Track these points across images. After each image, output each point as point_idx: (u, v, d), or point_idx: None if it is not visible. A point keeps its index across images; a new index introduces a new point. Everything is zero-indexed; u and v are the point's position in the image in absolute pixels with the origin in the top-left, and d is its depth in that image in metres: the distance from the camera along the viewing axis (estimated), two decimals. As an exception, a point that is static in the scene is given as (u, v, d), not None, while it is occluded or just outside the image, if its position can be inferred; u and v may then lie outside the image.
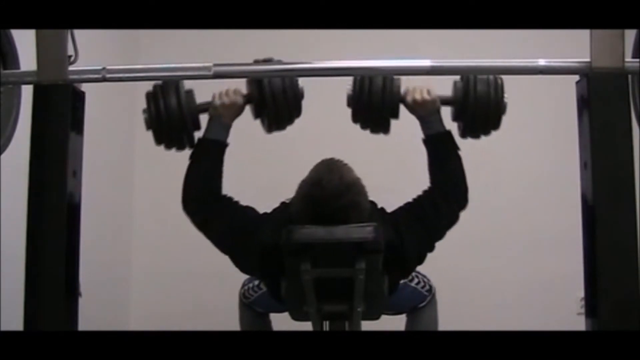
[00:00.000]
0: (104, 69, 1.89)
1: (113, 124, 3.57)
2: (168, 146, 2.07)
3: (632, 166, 1.77)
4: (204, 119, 2.10)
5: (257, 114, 2.09)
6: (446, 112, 2.13)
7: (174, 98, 2.00)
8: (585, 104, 1.81)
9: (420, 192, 2.11)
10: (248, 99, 2.07)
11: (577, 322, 2.07)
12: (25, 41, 1.95)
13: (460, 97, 2.05)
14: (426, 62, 1.93)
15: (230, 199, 2.10)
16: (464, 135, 2.12)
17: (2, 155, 2.01)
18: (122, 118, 3.75)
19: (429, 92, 2.05)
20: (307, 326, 2.08)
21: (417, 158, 2.15)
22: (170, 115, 1.99)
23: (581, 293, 1.86)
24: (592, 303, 1.80)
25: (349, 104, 2.06)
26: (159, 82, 2.05)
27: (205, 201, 2.05)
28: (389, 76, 2.03)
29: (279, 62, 2.02)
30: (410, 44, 3.22)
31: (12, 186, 2.24)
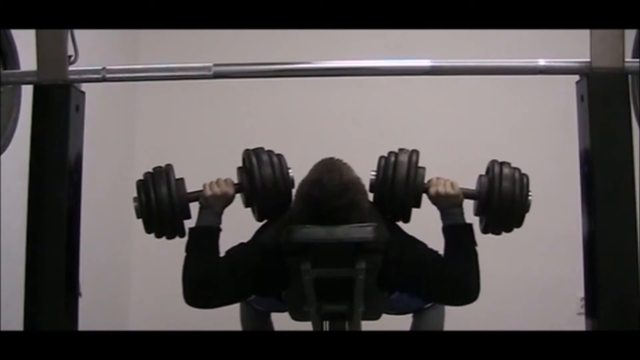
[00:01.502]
0: (104, 69, 1.89)
1: (113, 124, 3.57)
2: (158, 235, 2.07)
3: (632, 166, 1.78)
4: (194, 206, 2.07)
5: (247, 204, 2.08)
6: (468, 205, 2.10)
7: (165, 187, 1.99)
8: (585, 104, 1.82)
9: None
10: (239, 189, 2.06)
11: (577, 322, 2.07)
12: (25, 41, 1.95)
13: (484, 192, 2.04)
14: (426, 62, 1.93)
15: (220, 262, 2.05)
16: (485, 230, 2.10)
17: (2, 155, 2.01)
18: (122, 118, 3.75)
19: (452, 185, 2.03)
20: (307, 326, 2.08)
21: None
22: (160, 204, 1.98)
23: (581, 293, 1.86)
24: (592, 303, 1.80)
25: (372, 190, 2.05)
26: (150, 170, 2.04)
27: (207, 291, 2.04)
28: (413, 164, 2.02)
29: (279, 63, 2.01)
30: (410, 44, 3.22)
31: (12, 186, 2.24)
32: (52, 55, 1.84)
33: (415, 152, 2.05)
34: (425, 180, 2.05)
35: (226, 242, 2.07)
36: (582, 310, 1.91)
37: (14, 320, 1.87)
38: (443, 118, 3.74)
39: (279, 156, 2.06)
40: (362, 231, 1.94)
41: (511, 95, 3.62)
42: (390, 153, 2.06)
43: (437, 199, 2.04)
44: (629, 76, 1.82)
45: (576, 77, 1.86)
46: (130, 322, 3.77)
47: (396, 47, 3.42)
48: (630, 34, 1.88)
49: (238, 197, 2.07)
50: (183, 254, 2.06)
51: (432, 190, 2.03)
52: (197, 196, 2.04)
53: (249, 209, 2.10)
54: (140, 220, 2.06)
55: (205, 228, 2.04)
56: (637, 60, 1.86)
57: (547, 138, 3.72)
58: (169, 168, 2.04)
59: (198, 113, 3.85)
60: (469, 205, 2.09)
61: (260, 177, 2.01)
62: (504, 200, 2.01)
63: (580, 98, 1.84)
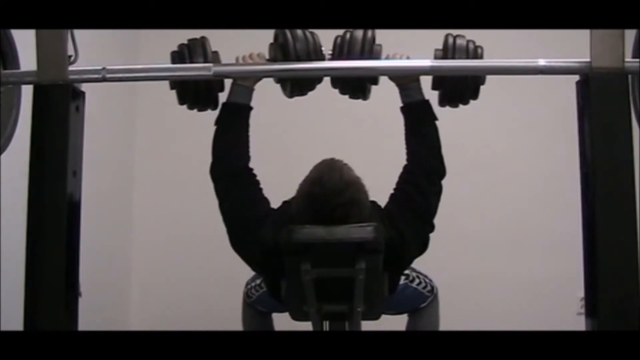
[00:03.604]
0: (104, 69, 1.89)
1: (113, 124, 3.58)
2: (191, 106, 2.08)
3: (632, 166, 1.77)
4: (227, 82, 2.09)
5: (279, 78, 2.08)
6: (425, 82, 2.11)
7: (201, 58, 2.00)
8: (585, 103, 1.82)
9: (400, 174, 2.10)
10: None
11: (577, 322, 2.07)
12: (25, 41, 1.95)
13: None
14: (426, 62, 1.93)
15: (257, 181, 2.12)
16: (441, 103, 2.11)
17: (2, 155, 2.01)
18: (122, 118, 3.75)
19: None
20: (307, 326, 2.08)
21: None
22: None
23: (581, 293, 1.86)
24: (592, 303, 1.80)
25: None
26: (185, 42, 2.05)
27: (232, 166, 2.08)
28: (368, 40, 2.01)
29: (279, 62, 2.01)
30: (410, 44, 3.22)
31: (12, 186, 2.24)
32: (52, 55, 1.84)
33: (371, 30, 2.03)
34: (383, 57, 2.05)
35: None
36: (582, 310, 1.90)
37: (14, 320, 1.87)
38: (443, 118, 3.74)
39: (313, 34, 2.03)
40: (362, 231, 1.94)
41: (511, 95, 3.62)
42: (345, 31, 2.04)
43: (394, 75, 2.05)
44: (629, 76, 1.82)
45: (576, 77, 1.86)
46: (130, 322, 3.77)
47: (396, 47, 3.41)
48: (630, 34, 1.88)
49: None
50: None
51: None
52: None
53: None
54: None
55: (237, 105, 2.08)
56: (637, 60, 1.86)
57: (547, 138, 3.72)
58: (204, 40, 2.04)
59: (198, 113, 3.85)
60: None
61: (295, 51, 1.99)
62: None
63: (580, 98, 1.84)
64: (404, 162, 2.12)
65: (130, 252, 3.78)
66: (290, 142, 3.66)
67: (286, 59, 2.00)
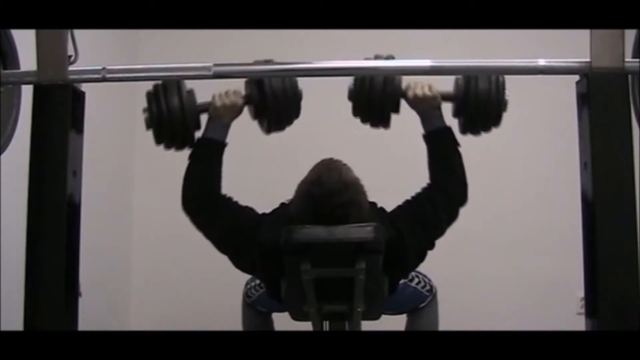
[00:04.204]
0: (104, 69, 1.89)
1: (113, 124, 3.57)
2: (168, 146, 2.07)
3: (632, 166, 1.77)
4: (203, 118, 2.10)
5: (256, 115, 2.08)
6: (447, 109, 2.12)
7: (176, 97, 2.00)
8: (585, 104, 1.81)
9: (419, 190, 2.11)
10: (247, 100, 2.07)
11: (577, 322, 2.07)
12: (25, 41, 1.95)
13: (461, 93, 2.05)
14: (426, 62, 1.93)
15: (229, 198, 2.10)
16: (464, 131, 2.11)
17: (2, 155, 2.01)
18: (122, 118, 3.75)
19: (430, 87, 2.05)
20: (307, 326, 2.08)
21: (416, 159, 2.15)
22: (172, 114, 1.99)
23: (581, 293, 1.86)
24: (592, 303, 1.79)
25: (350, 98, 2.06)
26: (160, 81, 2.05)
27: (204, 201, 2.06)
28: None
29: (279, 63, 2.01)
30: (410, 44, 3.22)
31: (12, 186, 2.24)
32: (52, 55, 1.83)
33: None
34: (403, 86, 2.06)
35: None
36: (582, 310, 1.90)
37: (14, 320, 1.87)
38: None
39: None
40: (362, 231, 1.95)
41: (511, 95, 3.61)
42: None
43: (415, 102, 2.05)
44: (629, 76, 1.82)
45: (576, 77, 1.86)
46: (130, 322, 3.77)
47: (396, 47, 3.41)
48: (630, 34, 1.88)
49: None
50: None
51: (410, 93, 2.04)
52: (207, 107, 2.05)
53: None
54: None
55: (211, 140, 2.07)
56: (637, 60, 1.86)
57: (547, 138, 3.72)
58: (179, 80, 2.04)
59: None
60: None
61: (270, 88, 2.00)
62: (480, 98, 2.02)
63: (580, 98, 1.84)
64: (404, 163, 2.12)
65: (130, 252, 3.78)
66: (290, 142, 3.65)
67: (262, 95, 2.01)
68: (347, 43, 3.39)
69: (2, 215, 2.28)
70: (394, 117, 2.15)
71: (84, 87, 1.94)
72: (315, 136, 3.57)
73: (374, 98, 2.03)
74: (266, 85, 2.00)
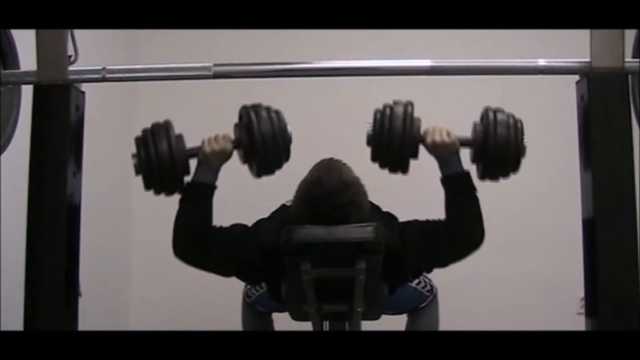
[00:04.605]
0: (104, 69, 1.89)
1: (113, 124, 3.57)
2: (158, 191, 2.04)
3: (632, 166, 1.78)
4: (192, 162, 2.07)
5: (245, 159, 2.07)
6: (465, 153, 2.10)
7: (165, 143, 1.97)
8: (585, 103, 1.82)
9: (437, 218, 2.08)
10: (237, 144, 2.05)
11: (577, 322, 2.07)
12: (25, 41, 1.95)
13: (479, 139, 2.03)
14: (426, 62, 1.93)
15: (216, 229, 2.07)
16: (482, 177, 2.09)
17: (2, 155, 2.01)
18: (122, 118, 3.75)
19: (448, 133, 2.03)
20: (307, 326, 2.08)
21: (416, 159, 2.14)
22: (160, 160, 1.97)
23: (581, 293, 1.86)
24: (592, 303, 1.80)
25: (369, 143, 2.05)
26: (148, 127, 2.03)
27: (195, 244, 2.05)
28: (409, 115, 2.01)
29: (279, 63, 2.01)
30: (410, 44, 3.22)
31: (12, 186, 2.24)
32: (52, 55, 1.84)
33: (410, 104, 2.04)
34: (422, 131, 2.05)
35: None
36: (582, 310, 1.91)
37: (14, 320, 1.87)
38: (443, 118, 3.74)
39: (277, 112, 2.03)
40: (362, 231, 1.94)
41: (511, 95, 3.61)
42: (385, 106, 2.05)
43: (433, 148, 2.04)
44: (629, 76, 1.82)
45: (576, 77, 1.86)
46: (130, 322, 3.76)
47: (396, 47, 3.42)
48: (630, 34, 1.88)
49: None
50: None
51: (429, 139, 2.03)
52: (196, 152, 2.03)
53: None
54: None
55: (201, 184, 2.04)
56: (637, 60, 1.86)
57: (547, 138, 3.72)
58: (167, 124, 2.02)
59: (198, 113, 3.86)
60: (465, 156, 2.09)
61: (260, 132, 1.98)
62: (499, 145, 2.01)
63: (580, 98, 1.84)
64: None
65: (130, 252, 3.78)
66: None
67: (251, 140, 2.00)
68: (347, 43, 3.39)
69: (2, 215, 2.28)
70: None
71: (84, 87, 1.94)
72: (315, 136, 3.57)
73: (393, 144, 2.01)
74: (255, 130, 1.98)
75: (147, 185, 2.02)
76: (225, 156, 2.03)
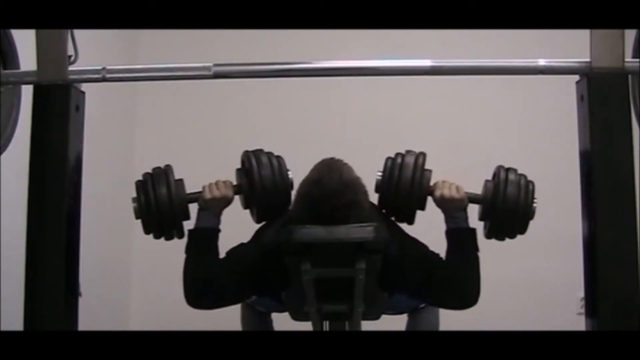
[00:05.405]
0: (104, 69, 1.89)
1: (113, 124, 3.58)
2: (157, 236, 2.05)
3: (632, 166, 1.78)
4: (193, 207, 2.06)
5: (246, 205, 2.08)
6: (472, 209, 2.09)
7: (164, 188, 1.98)
8: (585, 104, 1.82)
9: (442, 257, 2.07)
10: (238, 190, 2.05)
11: (577, 322, 2.07)
12: (25, 41, 1.95)
13: (489, 197, 2.03)
14: (426, 62, 1.93)
15: (219, 261, 2.05)
16: (489, 235, 2.10)
17: (2, 155, 2.01)
18: (122, 118, 3.75)
19: (458, 189, 2.03)
20: (307, 326, 2.08)
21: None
22: (160, 205, 1.98)
23: (581, 293, 1.86)
24: (592, 303, 1.80)
25: (377, 191, 2.05)
26: (149, 171, 2.03)
27: (208, 292, 2.04)
28: (419, 166, 2.02)
29: (279, 63, 2.01)
30: (410, 44, 3.22)
31: (12, 186, 2.24)
32: (52, 55, 1.84)
33: (422, 155, 2.05)
34: (431, 183, 2.05)
35: (226, 242, 2.06)
36: (582, 310, 1.90)
37: (14, 320, 1.87)
38: (443, 118, 3.75)
39: (278, 158, 2.06)
40: (362, 231, 1.94)
41: (511, 95, 3.62)
42: (397, 154, 2.06)
43: (441, 202, 2.04)
44: (629, 76, 1.82)
45: (576, 77, 1.86)
46: (130, 322, 3.77)
47: (397, 47, 3.42)
48: (630, 34, 1.88)
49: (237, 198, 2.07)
50: (183, 254, 2.06)
51: (437, 193, 2.03)
52: (196, 197, 2.04)
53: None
54: (139, 221, 2.06)
55: (204, 229, 2.04)
56: (637, 60, 1.86)
57: (547, 138, 3.72)
58: (168, 169, 2.03)
59: (198, 113, 3.86)
60: (473, 210, 2.08)
61: (260, 179, 2.01)
62: (508, 206, 2.01)
63: (580, 98, 1.84)
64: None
65: (130, 252, 3.78)
66: (291, 141, 3.66)
67: (251, 186, 2.01)
68: (347, 43, 3.39)
69: (2, 215, 2.28)
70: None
71: (84, 87, 1.94)
72: (316, 136, 3.57)
73: (401, 195, 2.02)
74: (256, 176, 2.00)
75: (147, 230, 2.05)
76: (226, 202, 2.04)
